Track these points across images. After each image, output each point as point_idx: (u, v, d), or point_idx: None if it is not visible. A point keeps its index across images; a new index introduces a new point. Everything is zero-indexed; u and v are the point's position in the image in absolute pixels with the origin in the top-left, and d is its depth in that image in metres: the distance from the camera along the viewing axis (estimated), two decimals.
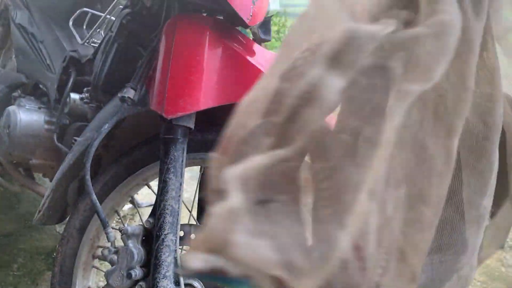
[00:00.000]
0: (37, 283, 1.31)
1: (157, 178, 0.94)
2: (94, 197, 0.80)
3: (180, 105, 0.79)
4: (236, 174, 0.30)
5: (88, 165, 0.80)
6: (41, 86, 1.34)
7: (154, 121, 0.88)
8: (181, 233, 0.85)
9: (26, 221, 1.58)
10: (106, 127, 0.82)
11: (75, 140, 0.98)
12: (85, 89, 1.09)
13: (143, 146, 0.92)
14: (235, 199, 0.29)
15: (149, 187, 0.95)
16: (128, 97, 0.83)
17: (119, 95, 0.83)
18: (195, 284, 0.82)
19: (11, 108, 1.22)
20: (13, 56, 1.53)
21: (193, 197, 0.98)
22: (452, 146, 0.33)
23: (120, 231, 0.81)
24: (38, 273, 1.35)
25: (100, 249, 0.97)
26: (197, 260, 0.29)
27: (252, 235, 0.29)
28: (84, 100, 1.08)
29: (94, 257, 0.96)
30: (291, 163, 0.31)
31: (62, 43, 1.34)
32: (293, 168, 0.31)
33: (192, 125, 0.82)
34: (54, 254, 1.44)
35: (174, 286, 0.77)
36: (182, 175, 0.82)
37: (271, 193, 0.31)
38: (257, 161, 0.30)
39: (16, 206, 1.66)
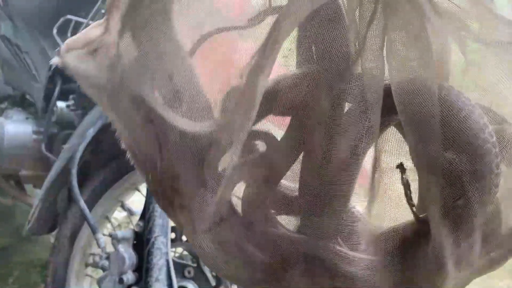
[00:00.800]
0: None
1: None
2: (82, 203, 0.80)
3: None
4: None
5: (74, 171, 0.80)
6: (28, 96, 1.33)
7: None
8: (173, 235, 0.84)
9: (20, 234, 1.57)
10: (91, 131, 0.82)
11: (63, 148, 0.97)
12: (70, 96, 1.08)
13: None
14: None
15: (140, 191, 0.94)
16: None
17: None
18: (189, 287, 0.81)
19: None
20: None
21: None
22: None
23: (110, 236, 0.80)
24: (33, 286, 1.34)
25: (90, 257, 0.96)
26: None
27: None
28: (71, 108, 1.07)
29: (86, 265, 0.95)
30: None
31: (47, 52, 1.33)
32: None
33: None
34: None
35: None
36: None
37: None
38: None
39: (10, 219, 1.65)
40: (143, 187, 0.95)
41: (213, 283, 0.82)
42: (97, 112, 0.86)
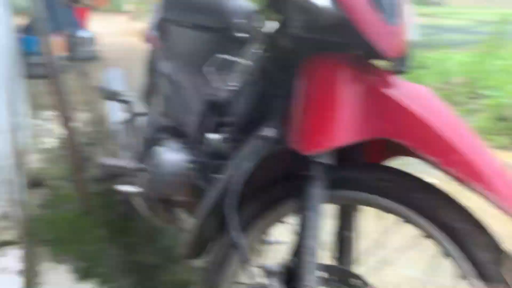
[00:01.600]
0: None
1: (292, 216, 0.94)
2: (238, 232, 0.83)
3: (317, 141, 0.78)
4: None
5: (233, 202, 0.83)
6: (182, 128, 1.47)
7: (291, 159, 0.89)
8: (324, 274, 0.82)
9: (168, 254, 1.70)
10: (248, 165, 0.85)
11: (214, 177, 1.03)
12: (224, 128, 1.16)
13: (280, 184, 0.93)
14: None
15: (284, 224, 0.95)
16: (269, 135, 0.85)
17: (260, 134, 0.86)
18: None
19: (158, 149, 1.34)
20: (157, 102, 1.71)
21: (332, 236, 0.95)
22: None
23: (260, 268, 0.81)
24: None
25: (238, 286, 0.99)
26: None
27: None
28: (224, 140, 1.14)
29: None
30: None
31: (199, 88, 1.46)
32: None
33: (330, 161, 0.81)
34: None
35: None
36: (320, 213, 0.80)
37: None
38: None
39: (160, 240, 1.80)
40: (289, 220, 0.96)
41: None
42: (252, 147, 0.90)
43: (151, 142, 1.52)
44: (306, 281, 0.76)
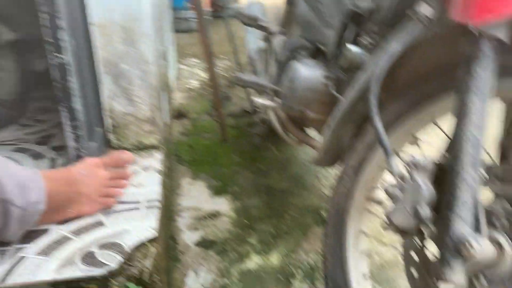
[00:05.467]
0: (306, 235, 1.35)
1: (446, 117, 0.80)
2: (379, 123, 0.73)
3: (490, 6, 0.63)
4: None
5: (375, 88, 0.73)
6: (320, 46, 1.39)
7: (447, 46, 0.75)
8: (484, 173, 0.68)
9: (296, 181, 1.68)
10: (396, 50, 0.74)
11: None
12: (366, 37, 1.04)
13: (432, 78, 0.79)
14: None
15: (437, 125, 0.82)
16: (424, 15, 0.72)
17: (412, 13, 0.73)
18: (500, 240, 0.65)
19: (294, 63, 1.29)
20: (294, 28, 1.65)
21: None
22: None
23: (407, 164, 0.70)
24: (306, 226, 1.40)
25: (375, 191, 0.90)
26: None
27: None
28: (365, 48, 1.03)
29: (369, 199, 0.90)
30: None
31: (339, 1, 1.35)
32: None
33: (504, 37, 0.65)
34: (322, 212, 1.47)
35: (473, 233, 0.62)
36: (487, 99, 0.65)
37: None
38: None
39: (289, 168, 1.79)
40: (441, 120, 0.82)
41: None
42: (397, 37, 0.78)
43: (286, 63, 1.48)
44: (464, 177, 0.64)
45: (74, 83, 1.05)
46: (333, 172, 1.74)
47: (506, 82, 0.70)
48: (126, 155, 1.07)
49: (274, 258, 1.24)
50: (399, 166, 0.72)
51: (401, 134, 0.85)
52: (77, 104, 1.07)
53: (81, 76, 1.11)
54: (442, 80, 0.78)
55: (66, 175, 0.93)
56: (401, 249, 0.77)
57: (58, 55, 1.01)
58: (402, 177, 0.71)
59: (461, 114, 0.65)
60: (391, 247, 1.28)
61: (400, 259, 0.96)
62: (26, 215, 0.83)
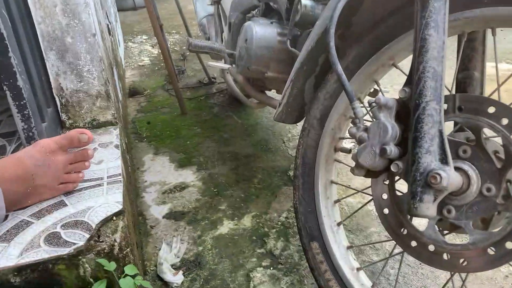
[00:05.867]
0: (275, 195, 1.35)
1: (406, 58, 0.81)
2: (339, 67, 0.72)
3: None
4: None
5: (333, 30, 0.72)
6: (271, 4, 1.35)
7: None
8: (445, 106, 0.69)
9: (261, 146, 1.67)
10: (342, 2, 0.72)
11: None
12: None
13: (388, 18, 0.79)
14: None
15: (397, 67, 0.82)
16: None
17: None
18: (464, 168, 0.66)
19: (247, 23, 1.26)
20: None
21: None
22: None
23: (370, 104, 0.70)
24: (275, 187, 1.40)
25: (341, 141, 0.90)
26: None
27: None
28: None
29: (336, 149, 0.90)
30: None
31: None
32: None
33: None
34: (289, 173, 1.47)
35: (441, 164, 0.63)
36: (445, 32, 0.65)
37: None
38: None
39: (252, 134, 1.78)
40: (401, 63, 0.83)
41: (498, 165, 0.64)
42: None
43: (239, 24, 1.44)
44: (427, 111, 0.64)
45: (14, 58, 0.97)
46: (297, 134, 1.74)
47: (459, 15, 0.71)
48: (84, 133, 0.99)
49: (247, 221, 1.23)
50: (362, 110, 0.72)
51: (362, 79, 0.84)
52: (20, 81, 1.00)
53: (22, 51, 1.03)
54: (398, 20, 0.77)
55: (21, 172, 0.86)
56: (371, 192, 0.78)
57: None
58: (365, 120, 0.71)
59: (420, 49, 0.65)
60: (360, 197, 1.30)
61: (370, 207, 0.97)
62: None
